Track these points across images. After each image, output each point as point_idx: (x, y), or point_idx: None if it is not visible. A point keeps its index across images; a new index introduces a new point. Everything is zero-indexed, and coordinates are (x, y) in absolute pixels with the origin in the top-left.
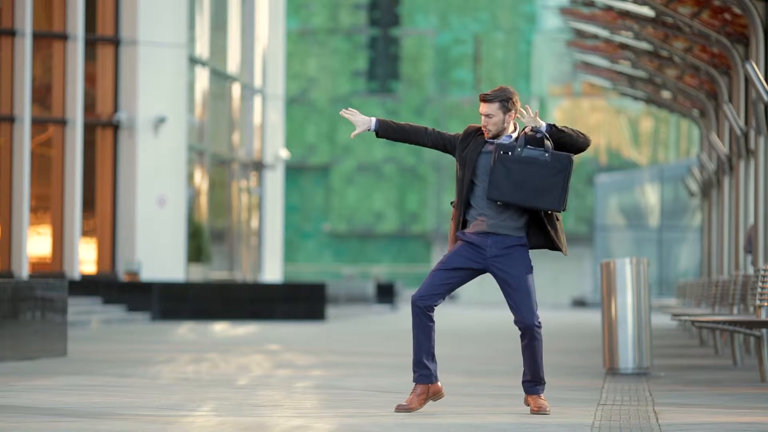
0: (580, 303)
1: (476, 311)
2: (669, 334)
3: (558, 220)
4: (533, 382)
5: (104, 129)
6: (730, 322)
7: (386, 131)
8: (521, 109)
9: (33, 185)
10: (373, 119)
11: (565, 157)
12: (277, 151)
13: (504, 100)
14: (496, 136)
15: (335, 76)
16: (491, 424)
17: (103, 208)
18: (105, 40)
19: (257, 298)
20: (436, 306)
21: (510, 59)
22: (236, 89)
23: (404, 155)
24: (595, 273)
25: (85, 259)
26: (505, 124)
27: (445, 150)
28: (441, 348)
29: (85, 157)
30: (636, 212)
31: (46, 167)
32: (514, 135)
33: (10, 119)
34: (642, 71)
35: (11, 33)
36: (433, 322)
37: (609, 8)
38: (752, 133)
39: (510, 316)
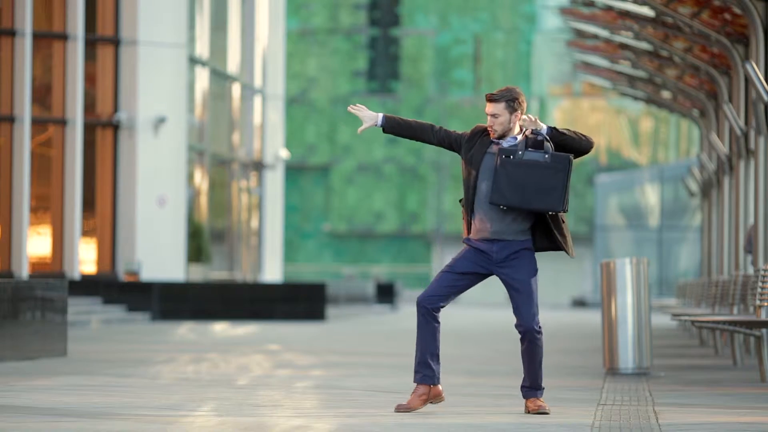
0: (580, 303)
1: (477, 312)
2: (669, 334)
3: (564, 222)
4: (531, 387)
5: (104, 129)
6: (730, 322)
7: (393, 127)
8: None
9: (33, 185)
10: (380, 115)
11: (564, 158)
12: (277, 151)
13: (510, 100)
14: (502, 136)
15: (335, 76)
16: (491, 424)
17: (103, 208)
18: (105, 40)
19: (257, 298)
20: (442, 307)
21: (510, 59)
22: (236, 89)
23: (404, 155)
24: (595, 273)
25: (85, 259)
26: (511, 125)
27: (450, 148)
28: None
29: (85, 157)
30: (636, 212)
31: (46, 167)
32: (519, 136)
33: (10, 119)
34: (642, 71)
35: (11, 33)
36: (438, 323)
37: (609, 8)
38: (752, 133)
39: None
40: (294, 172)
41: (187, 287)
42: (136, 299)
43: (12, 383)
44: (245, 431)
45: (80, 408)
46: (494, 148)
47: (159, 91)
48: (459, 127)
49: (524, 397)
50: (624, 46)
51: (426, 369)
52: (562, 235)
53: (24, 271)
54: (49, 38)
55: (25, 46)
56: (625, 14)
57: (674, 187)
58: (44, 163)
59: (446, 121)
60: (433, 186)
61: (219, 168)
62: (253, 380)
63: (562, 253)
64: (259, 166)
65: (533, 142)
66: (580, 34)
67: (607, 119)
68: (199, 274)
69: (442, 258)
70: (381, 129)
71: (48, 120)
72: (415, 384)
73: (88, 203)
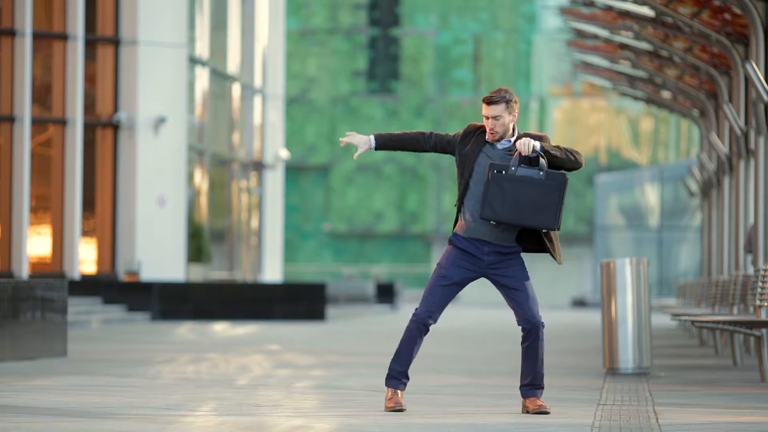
0: (580, 303)
1: (476, 311)
2: (669, 334)
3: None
4: (532, 385)
5: (104, 129)
6: (730, 322)
7: (384, 144)
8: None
9: (33, 185)
10: (372, 137)
11: (560, 176)
12: (277, 151)
13: (508, 101)
14: (500, 138)
15: (335, 76)
16: (491, 424)
17: (103, 208)
18: (105, 40)
19: (257, 298)
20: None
21: (510, 59)
22: (236, 89)
23: (404, 155)
24: (595, 273)
25: (85, 259)
26: (509, 126)
27: (444, 151)
28: (441, 348)
29: (85, 157)
30: (636, 212)
31: (46, 167)
32: (513, 138)
33: (10, 119)
34: (642, 71)
35: (11, 33)
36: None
37: (609, 8)
38: (752, 133)
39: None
40: (294, 172)
41: (187, 287)
42: (136, 299)
43: (12, 383)
44: (245, 431)
45: (80, 408)
46: (489, 149)
47: (159, 91)
48: (459, 126)
49: (524, 396)
50: (624, 46)
51: (405, 378)
52: (550, 241)
53: (24, 271)
54: (49, 38)
55: (25, 46)
56: (625, 14)
57: (674, 187)
58: (44, 163)
59: (446, 121)
60: (433, 186)
61: (219, 168)
62: (253, 380)
63: (562, 253)
64: (259, 166)
65: (526, 158)
66: (580, 34)
67: (607, 119)
68: (199, 274)
69: None
70: (374, 149)
71: (48, 120)
72: (391, 389)
73: (88, 203)
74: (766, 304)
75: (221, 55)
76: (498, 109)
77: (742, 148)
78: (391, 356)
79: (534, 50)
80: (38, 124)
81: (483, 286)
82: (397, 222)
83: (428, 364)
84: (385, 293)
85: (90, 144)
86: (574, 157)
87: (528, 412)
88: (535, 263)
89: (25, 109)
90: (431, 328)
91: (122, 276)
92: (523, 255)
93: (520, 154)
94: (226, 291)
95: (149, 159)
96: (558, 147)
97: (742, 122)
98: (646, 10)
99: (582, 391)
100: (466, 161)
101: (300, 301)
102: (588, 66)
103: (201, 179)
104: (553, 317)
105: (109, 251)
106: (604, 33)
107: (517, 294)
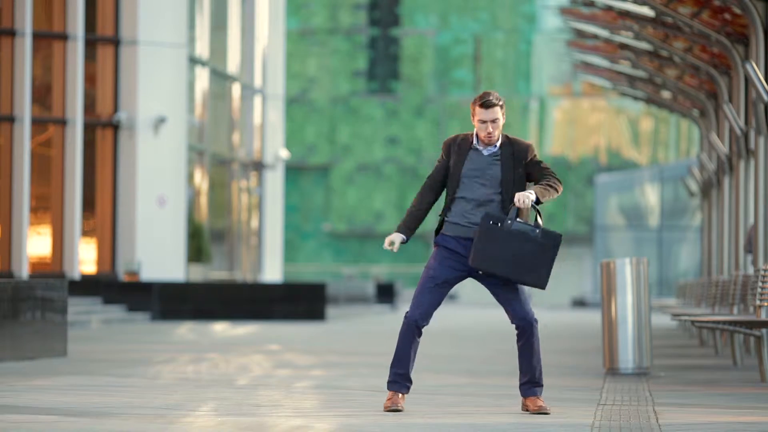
0: (580, 303)
1: (476, 311)
2: (669, 334)
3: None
4: (531, 383)
5: (104, 129)
6: (730, 322)
7: (412, 228)
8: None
9: (33, 185)
10: (401, 235)
11: (556, 235)
12: (277, 151)
13: (501, 105)
14: (489, 143)
15: (335, 76)
16: (491, 424)
17: (103, 208)
18: (105, 40)
19: (257, 298)
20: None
21: (510, 59)
22: (236, 89)
23: (404, 155)
24: (595, 273)
25: (85, 259)
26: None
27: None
28: (441, 348)
29: (85, 157)
30: (636, 212)
31: (46, 167)
32: (500, 143)
33: (10, 119)
34: (642, 71)
35: (11, 33)
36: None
37: (609, 8)
38: (752, 133)
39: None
40: (294, 172)
41: (187, 287)
42: (136, 299)
43: (12, 383)
44: (245, 431)
45: (80, 408)
46: (474, 155)
47: (159, 91)
48: (459, 126)
49: (524, 395)
50: (624, 46)
51: (407, 381)
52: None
53: (24, 271)
54: (49, 38)
55: (25, 46)
56: (625, 14)
57: (674, 187)
58: (44, 163)
59: (446, 121)
60: None
61: (219, 168)
62: (253, 380)
63: (562, 253)
64: (259, 166)
65: (520, 211)
66: (580, 34)
67: (607, 119)
68: (199, 274)
69: None
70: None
71: (48, 120)
72: (393, 392)
73: (88, 203)
74: (766, 304)
75: (221, 55)
76: (496, 112)
77: (742, 148)
78: (391, 357)
79: (534, 50)
80: (38, 124)
81: (482, 286)
82: (397, 222)
83: (427, 364)
84: (385, 293)
85: (90, 144)
86: (557, 190)
87: (528, 411)
88: None
89: (25, 109)
90: (428, 328)
91: (122, 276)
92: None
93: (515, 206)
94: (226, 291)
95: (149, 159)
96: (548, 185)
97: (742, 122)
98: (646, 10)
99: (582, 391)
100: (453, 172)
101: (300, 301)
102: (588, 66)
103: (201, 179)
104: (552, 317)
105: (109, 251)
106: (604, 33)
107: (507, 290)
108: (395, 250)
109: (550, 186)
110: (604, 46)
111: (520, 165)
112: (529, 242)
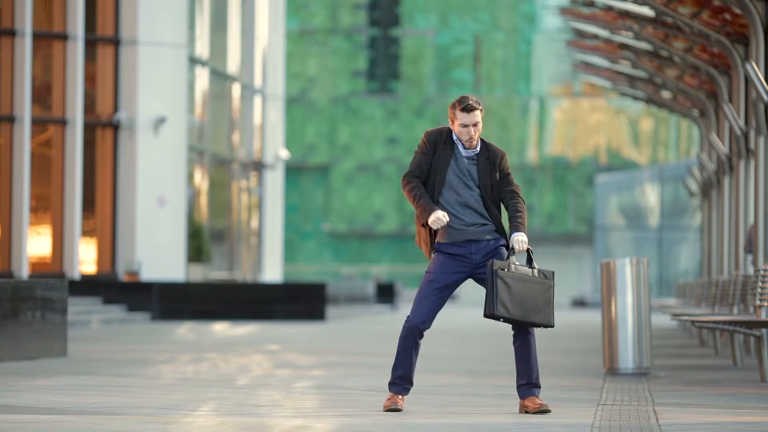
0: (580, 303)
1: (477, 311)
2: (669, 334)
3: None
4: (529, 384)
5: (104, 129)
6: (730, 322)
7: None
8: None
9: (33, 185)
10: (441, 210)
11: (550, 273)
12: (277, 151)
13: (481, 108)
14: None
15: (335, 76)
16: (491, 424)
17: (103, 208)
18: (105, 40)
19: (257, 298)
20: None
21: (510, 59)
22: (236, 89)
23: (404, 155)
24: (595, 273)
25: (85, 259)
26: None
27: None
28: (441, 348)
29: (85, 157)
30: (636, 212)
31: (46, 167)
32: (478, 148)
33: (10, 119)
34: (642, 71)
35: (11, 33)
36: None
37: (609, 8)
38: (752, 133)
39: None
40: (294, 172)
41: (187, 287)
42: (136, 299)
43: (12, 383)
44: (245, 431)
45: (80, 408)
46: (458, 156)
47: (159, 91)
48: None
49: (522, 396)
50: (624, 46)
51: (408, 383)
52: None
53: (24, 271)
54: (49, 38)
55: (25, 46)
56: (625, 14)
57: (674, 187)
58: (44, 163)
59: (446, 121)
60: None
61: (219, 168)
62: (253, 380)
63: (562, 253)
64: (259, 166)
65: (513, 252)
66: (580, 34)
67: (607, 119)
68: (199, 274)
69: None
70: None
71: (48, 120)
72: (394, 393)
73: (88, 203)
74: (766, 304)
75: (221, 55)
76: (477, 115)
77: (742, 148)
78: (391, 357)
79: (534, 50)
80: (38, 124)
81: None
82: (397, 222)
83: (428, 364)
84: (385, 293)
85: (90, 144)
86: (524, 212)
87: (528, 412)
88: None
89: (25, 109)
90: (428, 329)
91: (122, 276)
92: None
93: (512, 248)
94: (226, 291)
95: (149, 159)
96: (520, 214)
97: (742, 122)
98: (646, 10)
99: (582, 391)
100: (438, 170)
101: (300, 301)
102: (588, 66)
103: (201, 179)
104: None
105: (109, 251)
106: (604, 33)
107: None
108: (446, 221)
109: (520, 212)
110: (604, 46)
111: (496, 170)
112: (533, 283)
